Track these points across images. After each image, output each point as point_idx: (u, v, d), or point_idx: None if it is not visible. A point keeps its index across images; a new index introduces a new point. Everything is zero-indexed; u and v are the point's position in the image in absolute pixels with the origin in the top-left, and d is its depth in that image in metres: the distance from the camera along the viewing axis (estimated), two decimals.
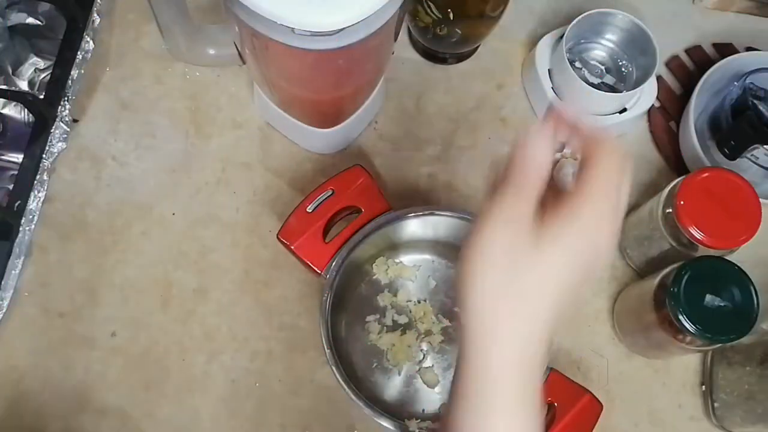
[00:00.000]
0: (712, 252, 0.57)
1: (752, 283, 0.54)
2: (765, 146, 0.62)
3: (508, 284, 0.29)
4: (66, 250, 0.64)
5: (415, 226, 0.60)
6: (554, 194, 0.34)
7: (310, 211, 0.58)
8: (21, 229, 0.62)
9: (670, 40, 0.74)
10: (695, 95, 0.68)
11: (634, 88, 0.67)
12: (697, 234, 0.56)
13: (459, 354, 0.31)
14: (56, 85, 0.65)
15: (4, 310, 0.61)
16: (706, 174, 0.57)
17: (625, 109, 0.68)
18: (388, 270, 0.63)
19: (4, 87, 0.66)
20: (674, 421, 0.63)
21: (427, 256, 0.64)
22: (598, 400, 0.55)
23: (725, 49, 0.74)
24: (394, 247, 0.63)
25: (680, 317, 0.53)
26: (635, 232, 0.65)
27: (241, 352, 0.62)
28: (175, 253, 0.65)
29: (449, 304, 0.63)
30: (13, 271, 0.61)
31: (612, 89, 0.69)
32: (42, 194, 0.63)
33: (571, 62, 0.68)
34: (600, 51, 0.70)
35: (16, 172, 0.63)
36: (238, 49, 0.60)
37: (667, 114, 0.72)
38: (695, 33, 0.75)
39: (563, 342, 0.64)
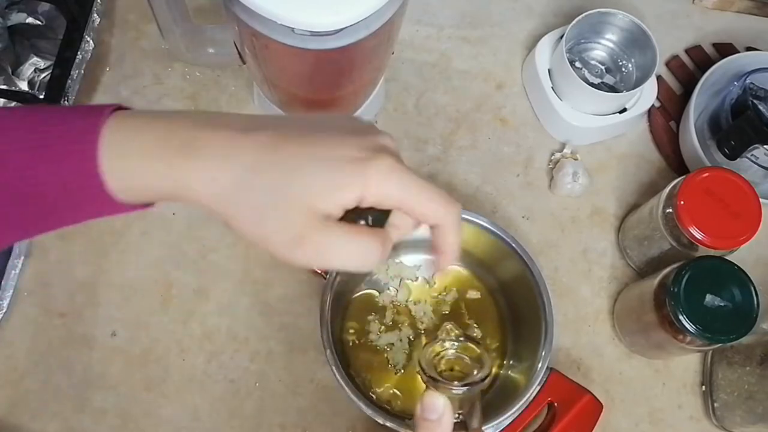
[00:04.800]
0: (712, 252, 0.57)
1: (752, 283, 0.54)
2: (765, 146, 0.62)
3: None
4: (66, 250, 0.64)
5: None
6: None
7: None
8: None
9: (670, 39, 0.74)
10: (695, 95, 0.68)
11: (634, 88, 0.67)
12: (697, 234, 0.56)
13: None
14: (56, 85, 0.65)
15: (4, 310, 0.61)
16: (706, 174, 0.57)
17: (625, 109, 0.68)
18: (388, 270, 0.63)
19: (4, 87, 0.66)
20: (674, 421, 0.63)
21: (427, 256, 0.64)
22: (598, 400, 0.55)
23: (725, 49, 0.74)
24: (394, 247, 0.62)
25: (680, 317, 0.53)
26: (635, 232, 0.65)
27: (241, 352, 0.62)
28: (175, 253, 0.65)
29: None
30: (13, 271, 0.61)
31: (612, 89, 0.69)
32: None
33: (571, 62, 0.68)
34: (600, 51, 0.70)
35: None
36: (238, 49, 0.60)
37: (667, 114, 0.72)
38: (695, 33, 0.75)
39: (563, 342, 0.64)
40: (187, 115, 0.34)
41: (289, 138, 0.33)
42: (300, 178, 0.32)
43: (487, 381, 0.42)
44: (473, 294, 0.63)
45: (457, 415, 0.40)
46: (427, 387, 0.41)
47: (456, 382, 0.40)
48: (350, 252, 0.33)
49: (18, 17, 0.69)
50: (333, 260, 0.33)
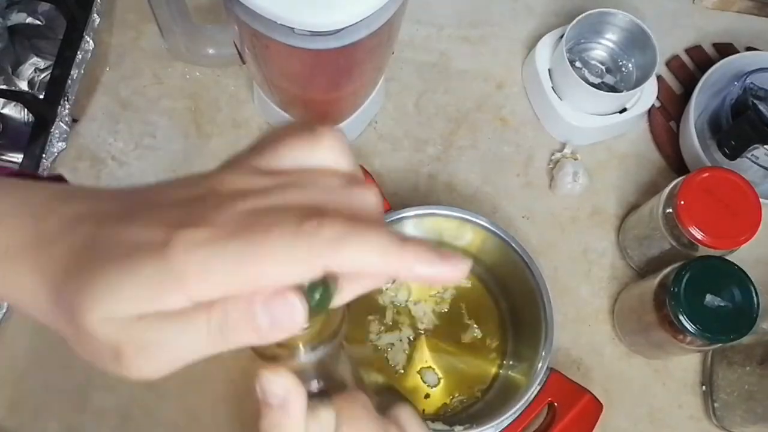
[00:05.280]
0: (712, 252, 0.57)
1: (752, 283, 0.54)
2: (765, 146, 0.62)
3: None
4: None
5: (414, 226, 0.60)
6: None
7: None
8: None
9: (671, 39, 0.74)
10: (695, 95, 0.67)
11: (634, 87, 0.67)
12: (697, 234, 0.56)
13: None
14: (56, 85, 0.65)
15: (4, 310, 0.60)
16: (706, 174, 0.57)
17: (625, 109, 0.68)
18: None
19: (4, 87, 0.66)
20: (674, 421, 0.63)
21: None
22: (598, 400, 0.55)
23: (725, 49, 0.73)
24: None
25: (680, 317, 0.53)
26: (635, 231, 0.65)
27: (242, 352, 0.62)
28: None
29: None
30: None
31: (612, 89, 0.69)
32: None
33: (572, 62, 0.68)
34: (600, 51, 0.70)
35: None
36: (238, 49, 0.60)
37: (668, 114, 0.72)
38: (695, 33, 0.75)
39: (563, 342, 0.64)
40: (24, 203, 0.28)
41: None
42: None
43: (343, 332, 0.29)
44: (464, 283, 0.63)
45: (319, 383, 0.29)
46: (259, 360, 0.28)
47: (301, 345, 0.28)
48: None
49: (18, 17, 0.69)
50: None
